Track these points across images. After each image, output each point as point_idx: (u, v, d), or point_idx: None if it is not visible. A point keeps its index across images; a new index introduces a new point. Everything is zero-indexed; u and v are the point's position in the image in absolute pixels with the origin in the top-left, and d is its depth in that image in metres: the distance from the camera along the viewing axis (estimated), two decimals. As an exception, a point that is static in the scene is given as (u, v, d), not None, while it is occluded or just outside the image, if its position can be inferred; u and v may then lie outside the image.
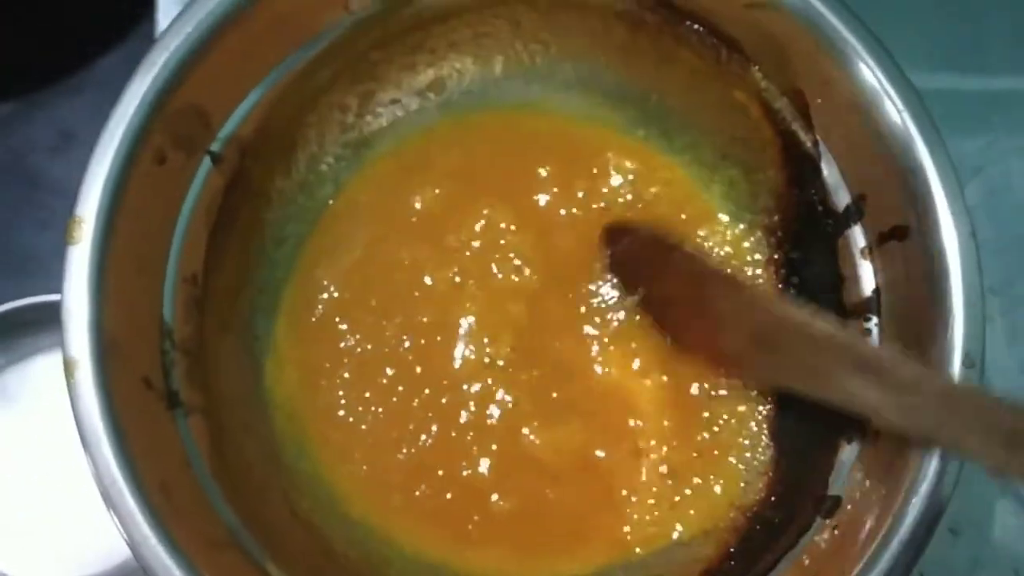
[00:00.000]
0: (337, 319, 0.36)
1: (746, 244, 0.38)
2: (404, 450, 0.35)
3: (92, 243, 0.29)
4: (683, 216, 0.38)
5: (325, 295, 0.37)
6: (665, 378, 0.36)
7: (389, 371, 0.36)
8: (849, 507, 0.31)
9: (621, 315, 0.37)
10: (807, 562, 0.31)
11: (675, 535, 0.35)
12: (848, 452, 0.32)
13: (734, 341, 0.34)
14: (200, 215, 0.33)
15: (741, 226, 0.38)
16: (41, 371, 0.53)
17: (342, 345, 0.36)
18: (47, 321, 0.52)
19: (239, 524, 0.31)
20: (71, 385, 0.28)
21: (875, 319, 0.33)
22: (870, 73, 0.31)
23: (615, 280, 0.37)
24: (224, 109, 0.33)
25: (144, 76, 0.30)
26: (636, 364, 0.37)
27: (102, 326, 0.28)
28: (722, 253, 0.38)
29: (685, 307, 0.36)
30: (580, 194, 0.38)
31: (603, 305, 0.37)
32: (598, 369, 0.36)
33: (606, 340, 0.37)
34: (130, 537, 0.27)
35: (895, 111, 0.31)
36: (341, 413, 0.36)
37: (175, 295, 0.32)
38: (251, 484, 0.33)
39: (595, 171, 0.38)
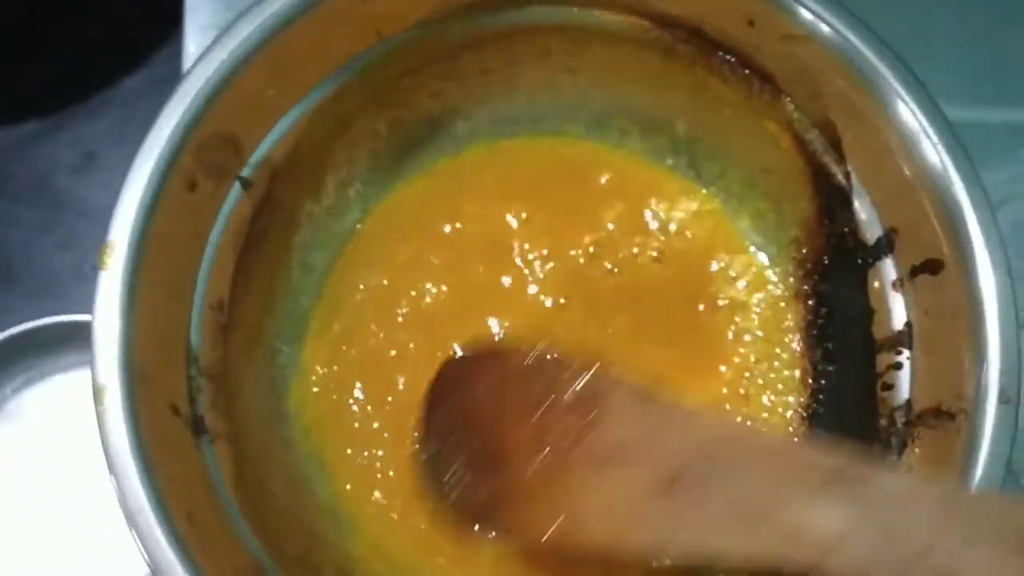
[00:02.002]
0: (362, 348, 0.36)
1: (773, 276, 0.38)
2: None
3: (123, 269, 0.29)
4: (709, 246, 0.38)
5: (350, 323, 0.37)
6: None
7: (414, 401, 0.35)
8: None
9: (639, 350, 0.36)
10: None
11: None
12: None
13: (629, 489, 0.26)
14: (228, 241, 0.33)
15: (769, 257, 0.38)
16: (59, 391, 0.53)
17: (367, 374, 0.36)
18: (66, 341, 0.52)
19: (264, 553, 0.31)
20: (100, 411, 0.28)
21: (906, 352, 0.33)
22: (907, 109, 0.31)
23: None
24: (255, 136, 0.33)
25: (178, 103, 0.30)
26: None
27: (131, 352, 0.28)
28: (748, 285, 0.38)
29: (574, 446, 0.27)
30: (609, 224, 0.38)
31: (626, 336, 0.37)
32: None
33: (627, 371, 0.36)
34: (156, 565, 0.27)
35: (932, 148, 0.31)
36: (365, 442, 0.35)
37: (202, 321, 0.32)
38: (274, 513, 0.32)
39: (623, 200, 0.38)
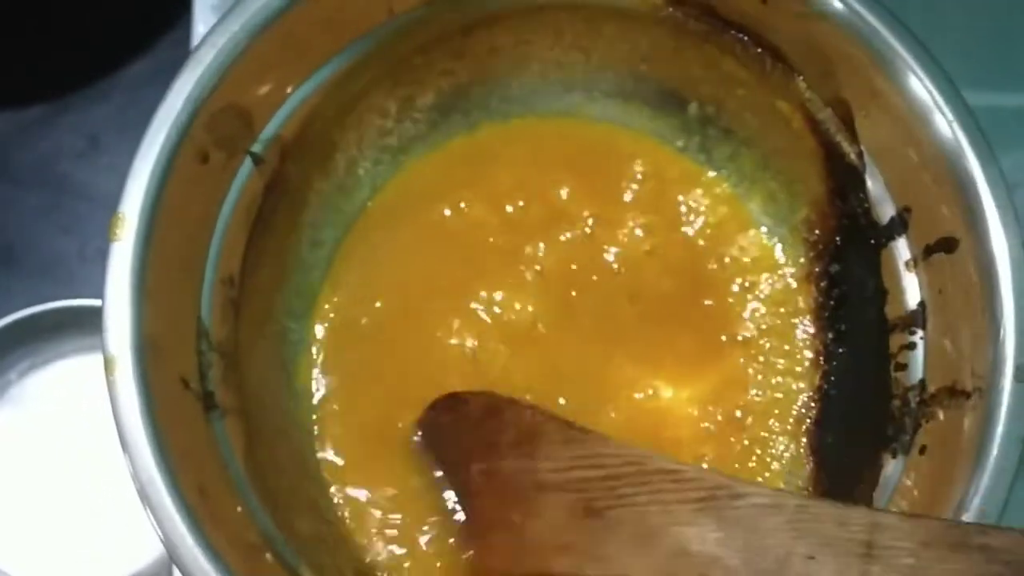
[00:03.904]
0: (371, 325, 0.36)
1: (785, 257, 0.38)
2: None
3: (134, 240, 0.28)
4: (720, 228, 0.38)
5: (359, 300, 0.36)
6: (695, 392, 0.36)
7: (419, 381, 0.35)
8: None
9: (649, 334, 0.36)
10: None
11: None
12: (893, 467, 0.32)
13: (556, 517, 0.28)
14: (239, 216, 0.33)
15: (780, 239, 0.38)
16: (62, 376, 0.53)
17: (375, 351, 0.36)
18: (69, 326, 0.52)
19: (274, 529, 0.30)
20: (110, 383, 0.27)
21: (920, 332, 0.33)
22: (920, 85, 0.31)
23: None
24: (266, 110, 0.33)
25: (190, 74, 0.30)
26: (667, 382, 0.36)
27: (142, 324, 0.28)
28: (759, 267, 0.38)
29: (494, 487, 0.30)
30: (621, 203, 0.37)
31: (634, 323, 0.37)
32: (630, 390, 0.36)
33: (635, 356, 0.36)
34: (167, 537, 0.27)
35: (946, 124, 0.31)
36: (372, 421, 0.35)
37: (213, 296, 0.32)
38: (283, 489, 0.32)
39: (633, 181, 0.38)
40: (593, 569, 0.27)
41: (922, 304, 0.33)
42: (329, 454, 0.35)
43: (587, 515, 0.27)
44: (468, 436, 0.32)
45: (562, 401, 0.35)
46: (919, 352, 0.33)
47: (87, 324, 0.52)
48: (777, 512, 0.25)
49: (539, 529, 0.29)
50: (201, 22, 0.45)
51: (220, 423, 0.31)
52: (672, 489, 0.26)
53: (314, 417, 0.35)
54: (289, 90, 0.33)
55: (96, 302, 0.49)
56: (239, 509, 0.29)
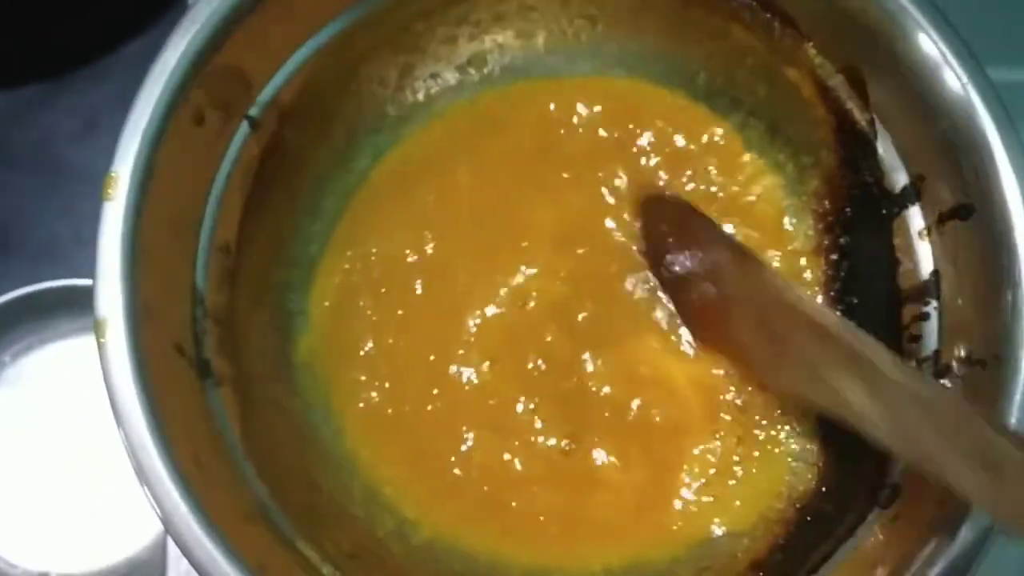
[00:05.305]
0: (370, 298, 0.35)
1: (794, 229, 0.37)
2: (436, 432, 0.34)
3: (127, 200, 0.28)
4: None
5: (359, 272, 0.35)
6: (708, 367, 0.35)
7: (421, 351, 0.35)
8: (909, 496, 0.30)
9: (664, 303, 0.36)
10: (865, 553, 0.30)
11: (721, 527, 0.33)
12: (907, 439, 0.31)
13: (744, 329, 0.33)
14: (236, 182, 0.32)
15: (789, 210, 0.37)
16: (58, 357, 0.52)
17: (374, 324, 0.35)
18: (66, 306, 0.51)
19: (269, 499, 0.30)
20: (101, 346, 0.27)
21: (934, 302, 0.32)
22: (931, 43, 0.30)
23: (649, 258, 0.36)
24: (264, 73, 0.32)
25: (186, 31, 0.29)
26: (677, 353, 0.35)
27: (135, 286, 0.27)
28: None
29: (700, 291, 0.34)
30: (622, 175, 0.36)
31: (646, 292, 0.36)
32: (641, 361, 0.35)
33: (650, 330, 0.35)
34: (160, 506, 0.26)
35: (958, 82, 0.30)
36: (373, 394, 0.34)
37: (208, 263, 0.31)
38: (279, 459, 0.31)
39: (639, 151, 0.37)
40: (781, 384, 0.33)
41: (935, 273, 0.32)
42: (331, 426, 0.34)
43: (763, 336, 0.32)
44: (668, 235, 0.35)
45: (577, 367, 0.35)
46: (932, 323, 0.32)
47: (83, 304, 0.51)
48: (911, 396, 0.28)
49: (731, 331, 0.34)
50: None
51: (215, 391, 0.30)
52: (826, 340, 0.30)
53: (314, 389, 0.34)
54: (288, 52, 0.33)
55: (89, 282, 0.49)
56: (233, 479, 0.29)
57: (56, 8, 0.57)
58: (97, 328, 0.27)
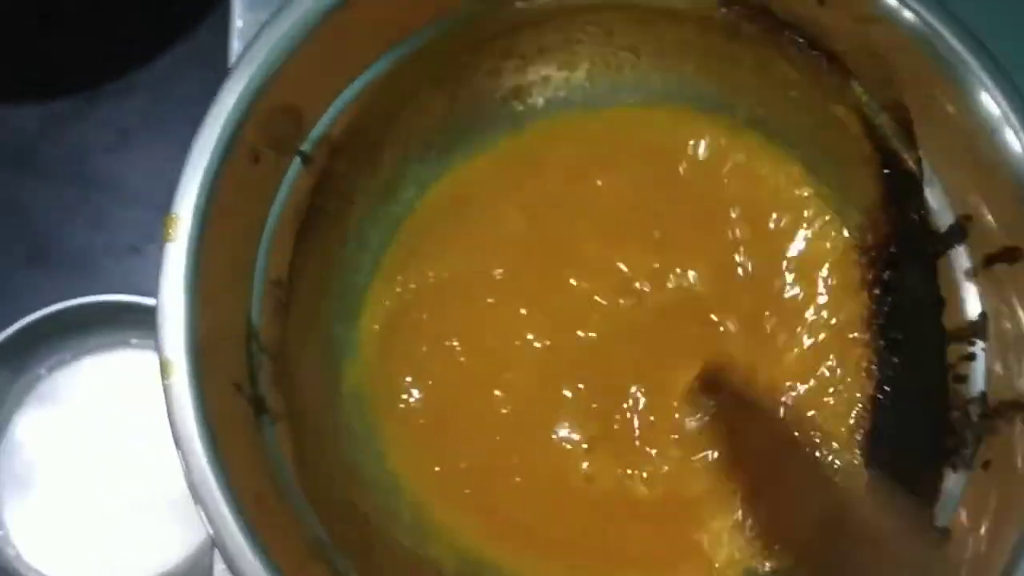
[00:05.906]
0: (416, 329, 0.36)
1: (836, 263, 0.37)
2: (484, 464, 0.34)
3: (188, 241, 0.28)
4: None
5: (405, 303, 0.36)
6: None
7: (473, 380, 0.35)
8: (957, 540, 0.30)
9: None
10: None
11: (766, 566, 0.34)
12: (954, 481, 0.31)
13: (800, 520, 0.33)
14: (288, 216, 0.32)
15: (831, 245, 0.37)
16: (89, 372, 0.52)
17: (421, 356, 0.35)
18: (95, 322, 0.52)
19: (324, 535, 0.30)
20: (167, 387, 0.27)
21: (980, 343, 0.32)
22: (988, 96, 0.30)
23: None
24: (316, 108, 0.32)
25: (242, 72, 0.29)
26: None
27: (197, 327, 0.28)
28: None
29: (760, 470, 0.35)
30: (670, 202, 0.37)
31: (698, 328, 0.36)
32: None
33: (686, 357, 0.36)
34: (223, 545, 0.26)
35: (1015, 137, 0.30)
36: (420, 423, 0.35)
37: (263, 298, 0.31)
38: (333, 495, 0.32)
39: (685, 179, 0.37)
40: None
41: (983, 315, 0.32)
42: (381, 459, 0.34)
43: (821, 533, 0.33)
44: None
45: (623, 412, 0.35)
46: (979, 363, 0.32)
47: (114, 320, 0.51)
48: None
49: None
50: (239, 12, 0.44)
51: (271, 428, 0.30)
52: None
53: (361, 419, 0.35)
54: (339, 88, 0.33)
55: (122, 297, 0.50)
56: (293, 517, 0.29)
57: (87, 23, 0.57)
58: (162, 369, 0.27)
